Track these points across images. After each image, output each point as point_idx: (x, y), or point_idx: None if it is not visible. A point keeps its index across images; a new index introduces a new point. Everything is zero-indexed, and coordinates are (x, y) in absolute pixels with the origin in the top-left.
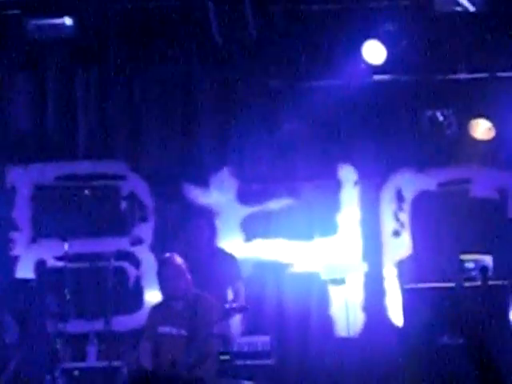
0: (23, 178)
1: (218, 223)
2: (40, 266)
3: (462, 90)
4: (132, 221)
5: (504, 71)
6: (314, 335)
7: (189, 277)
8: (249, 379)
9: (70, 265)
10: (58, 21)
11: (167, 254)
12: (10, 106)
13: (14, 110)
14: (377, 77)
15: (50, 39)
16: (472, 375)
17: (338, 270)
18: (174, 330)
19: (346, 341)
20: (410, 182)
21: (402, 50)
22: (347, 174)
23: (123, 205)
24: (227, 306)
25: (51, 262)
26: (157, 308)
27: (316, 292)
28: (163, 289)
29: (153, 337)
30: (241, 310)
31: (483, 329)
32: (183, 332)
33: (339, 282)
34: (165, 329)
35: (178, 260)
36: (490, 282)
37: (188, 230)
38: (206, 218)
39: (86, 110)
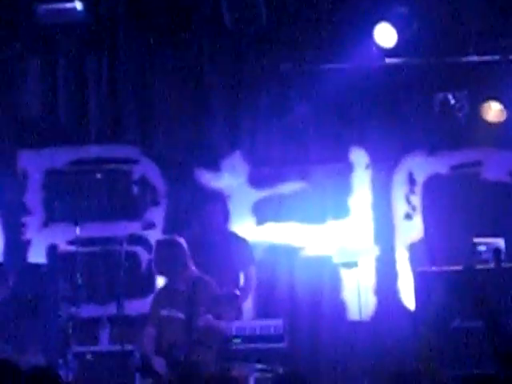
0: (35, 163)
1: (230, 207)
2: (52, 250)
3: (474, 72)
4: (144, 205)
5: None
6: (326, 319)
7: (189, 257)
8: (260, 362)
9: (81, 249)
10: (68, 5)
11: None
12: (22, 91)
13: (26, 94)
14: (388, 60)
15: (60, 24)
16: (485, 357)
17: (349, 254)
18: (173, 313)
19: (358, 324)
20: (421, 165)
21: (414, 32)
22: (359, 157)
23: (135, 189)
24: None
25: (63, 247)
26: (160, 291)
27: (328, 275)
28: (165, 270)
29: (155, 320)
30: (231, 298)
31: (496, 311)
32: (181, 315)
33: (351, 265)
34: (165, 312)
35: (179, 240)
36: (503, 265)
37: (200, 214)
38: (218, 202)
39: (98, 94)
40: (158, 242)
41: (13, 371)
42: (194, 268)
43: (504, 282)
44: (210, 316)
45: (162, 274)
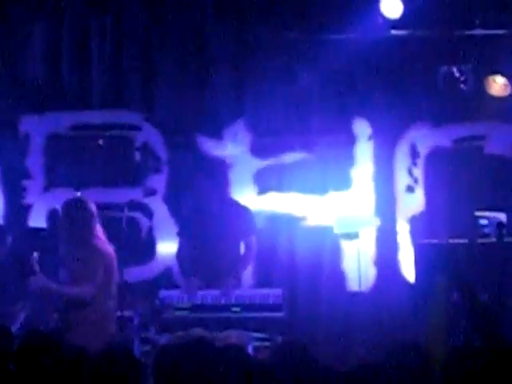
0: (37, 127)
1: (232, 175)
2: (52, 214)
3: (479, 45)
4: (145, 171)
5: None
6: (326, 289)
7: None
8: (259, 332)
9: None
10: None
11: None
12: (25, 54)
13: (29, 58)
14: (394, 31)
15: None
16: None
17: (350, 225)
18: None
19: (358, 295)
20: (424, 138)
21: (420, 4)
22: (362, 128)
23: (137, 155)
24: None
25: None
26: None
27: (328, 246)
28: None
29: None
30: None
31: (498, 285)
32: None
33: (352, 236)
34: None
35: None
36: (505, 239)
37: (202, 182)
38: (220, 170)
39: (101, 59)
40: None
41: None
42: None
43: (506, 256)
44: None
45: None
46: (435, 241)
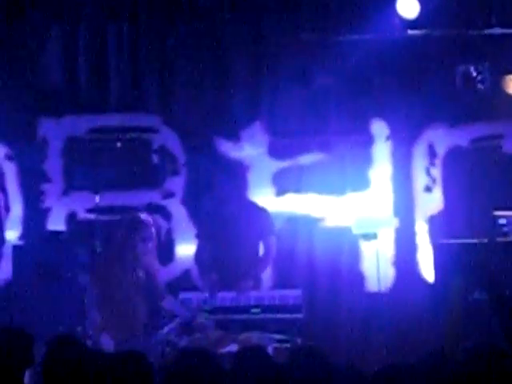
0: (55, 130)
1: (250, 177)
2: (71, 218)
3: (496, 45)
4: (163, 174)
5: None
6: (345, 290)
7: None
8: (279, 333)
9: (101, 217)
10: None
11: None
12: (43, 58)
13: (48, 62)
14: (410, 31)
15: None
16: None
17: (369, 225)
18: None
19: (377, 296)
20: (442, 138)
21: (436, 4)
22: (379, 128)
23: (155, 158)
24: None
25: (82, 215)
26: None
27: (347, 247)
28: None
29: None
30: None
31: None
32: None
33: (370, 236)
34: None
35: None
36: None
37: (220, 183)
38: (238, 171)
39: (119, 62)
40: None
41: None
42: None
43: None
44: None
45: None
46: (454, 241)
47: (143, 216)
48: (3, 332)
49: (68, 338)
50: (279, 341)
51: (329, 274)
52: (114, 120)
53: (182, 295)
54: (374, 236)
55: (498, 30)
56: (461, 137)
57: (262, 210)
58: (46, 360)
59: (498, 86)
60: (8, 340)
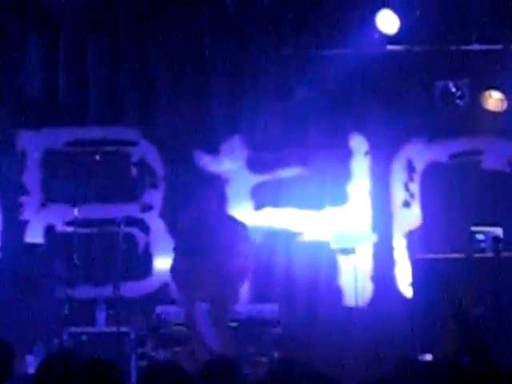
0: (34, 142)
1: (228, 191)
2: (49, 230)
3: (475, 61)
4: (142, 187)
5: None
6: (323, 304)
7: None
8: (256, 347)
9: (79, 230)
10: None
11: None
12: (22, 70)
13: (26, 74)
14: (390, 46)
15: (62, 4)
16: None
17: (347, 240)
18: None
19: (354, 310)
20: (421, 153)
21: (416, 20)
22: (358, 143)
23: (133, 171)
24: None
25: (60, 227)
26: None
27: (325, 261)
28: None
29: None
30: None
31: (494, 300)
32: None
33: (348, 251)
34: None
35: None
36: (502, 254)
37: (197, 197)
38: (217, 185)
39: (98, 75)
40: None
41: None
42: None
43: (502, 271)
44: None
45: None
46: (432, 256)
47: None
48: None
49: (60, 352)
50: (256, 354)
51: (307, 288)
52: (92, 133)
53: (160, 309)
54: (352, 251)
55: (476, 47)
56: (439, 152)
57: (240, 224)
58: (38, 375)
59: (476, 102)
60: None
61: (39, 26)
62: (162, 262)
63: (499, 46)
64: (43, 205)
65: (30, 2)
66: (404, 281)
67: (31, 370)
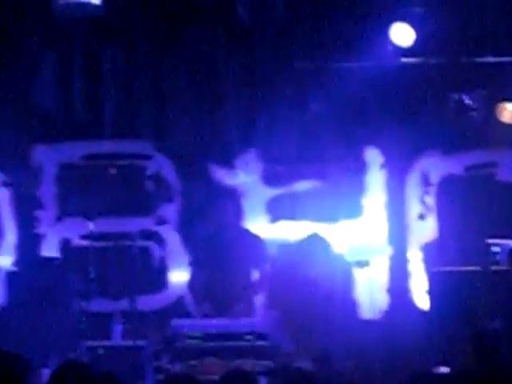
0: (49, 157)
1: (244, 204)
2: (65, 244)
3: (490, 73)
4: (157, 201)
5: None
6: (338, 317)
7: None
8: (271, 360)
9: (94, 244)
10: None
11: None
12: (38, 84)
13: (42, 88)
14: (404, 59)
15: (77, 18)
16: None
17: (362, 253)
18: None
19: (370, 323)
20: (436, 166)
21: (430, 32)
22: (373, 156)
23: (149, 184)
24: None
25: (76, 241)
26: None
27: (340, 274)
28: None
29: None
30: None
31: (510, 312)
32: None
33: (364, 264)
34: None
35: None
36: None
37: (213, 210)
38: (232, 199)
39: (113, 89)
40: None
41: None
42: None
43: None
44: None
45: None
46: (448, 268)
47: None
48: (0, 356)
49: (73, 363)
50: (272, 367)
51: (322, 301)
52: (108, 146)
53: (175, 322)
54: (367, 263)
55: (491, 59)
56: (454, 165)
57: (256, 237)
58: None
59: (491, 114)
60: (5, 365)
61: (54, 41)
62: (178, 276)
63: None
64: (59, 219)
65: (46, 18)
66: (419, 293)
67: None
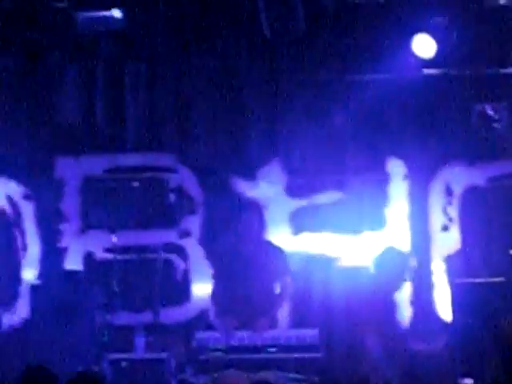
0: (73, 170)
1: (266, 216)
2: (88, 257)
3: None
4: (180, 213)
5: None
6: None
7: None
8: (296, 372)
9: (118, 257)
10: (107, 13)
11: None
12: (61, 98)
13: (65, 102)
14: (426, 70)
15: (99, 32)
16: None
17: None
18: None
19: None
20: (459, 177)
21: (452, 43)
22: (396, 167)
23: (172, 197)
24: None
25: (99, 254)
26: None
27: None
28: None
29: None
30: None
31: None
32: None
33: None
34: None
35: None
36: None
37: (237, 223)
38: (255, 211)
39: (135, 102)
40: None
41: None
42: None
43: None
44: None
45: None
46: (471, 280)
47: None
48: (31, 371)
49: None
50: (296, 380)
51: (346, 314)
52: (131, 159)
53: (199, 335)
54: None
55: None
56: (477, 176)
57: (278, 250)
58: None
59: None
60: (35, 379)
61: (77, 54)
62: (201, 288)
63: None
64: (82, 232)
65: (68, 32)
66: (443, 305)
67: None
